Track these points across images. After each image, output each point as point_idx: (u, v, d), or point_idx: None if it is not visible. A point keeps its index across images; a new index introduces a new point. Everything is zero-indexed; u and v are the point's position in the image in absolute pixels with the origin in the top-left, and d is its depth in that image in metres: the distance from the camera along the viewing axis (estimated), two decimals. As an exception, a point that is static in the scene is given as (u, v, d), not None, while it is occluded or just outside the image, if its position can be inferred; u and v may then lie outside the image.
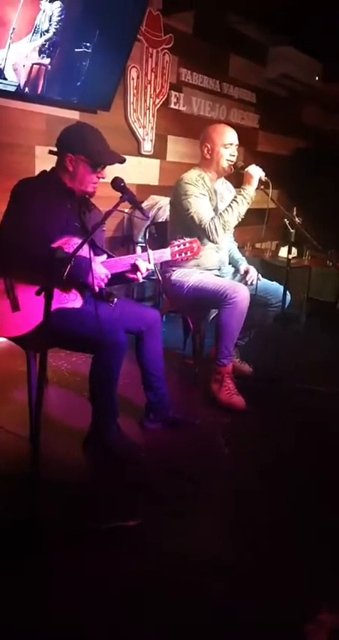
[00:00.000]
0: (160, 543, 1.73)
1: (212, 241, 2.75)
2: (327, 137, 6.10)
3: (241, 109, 5.29)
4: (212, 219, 2.70)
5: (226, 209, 2.72)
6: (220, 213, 2.72)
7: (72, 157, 2.03)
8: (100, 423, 2.14)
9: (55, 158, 2.12)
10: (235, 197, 2.74)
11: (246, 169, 2.75)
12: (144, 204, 4.09)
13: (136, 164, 4.21)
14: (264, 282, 2.98)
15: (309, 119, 6.25)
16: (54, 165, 2.12)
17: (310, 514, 1.95)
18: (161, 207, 3.87)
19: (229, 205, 2.73)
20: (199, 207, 2.72)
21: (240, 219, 2.76)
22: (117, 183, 2.01)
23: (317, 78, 5.48)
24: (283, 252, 4.29)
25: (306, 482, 2.16)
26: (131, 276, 2.15)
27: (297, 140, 6.11)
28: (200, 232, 2.68)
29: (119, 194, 1.97)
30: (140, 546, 1.71)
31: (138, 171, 4.23)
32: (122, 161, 2.07)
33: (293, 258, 4.45)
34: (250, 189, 2.72)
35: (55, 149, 2.08)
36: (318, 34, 4.66)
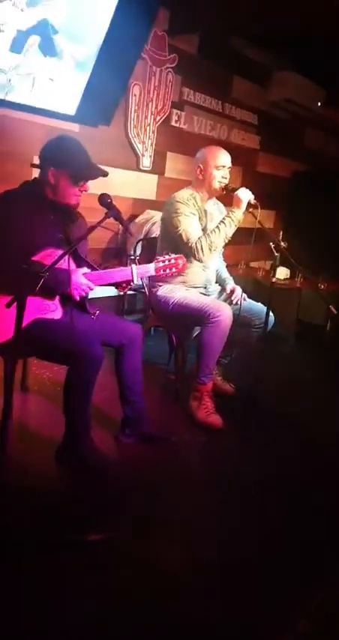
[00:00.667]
0: (129, 555, 1.73)
1: (198, 260, 2.79)
2: (328, 161, 6.17)
3: (243, 130, 5.36)
4: (199, 238, 2.74)
5: (214, 230, 2.76)
6: (208, 234, 2.76)
7: (54, 170, 2.07)
8: (73, 435, 2.16)
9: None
10: (224, 219, 2.79)
11: (235, 192, 2.80)
12: (139, 218, 4.15)
13: (135, 179, 4.26)
14: (249, 302, 3.01)
15: (311, 143, 6.32)
16: (36, 176, 2.16)
17: (289, 532, 1.96)
18: (155, 222, 3.92)
19: (217, 227, 2.77)
20: (188, 226, 2.76)
21: (227, 241, 2.80)
22: (103, 200, 2.05)
23: (320, 104, 5.56)
24: (277, 272, 4.32)
25: (284, 502, 2.17)
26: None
27: (298, 163, 6.17)
28: (187, 250, 2.72)
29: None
30: (108, 559, 1.72)
31: (136, 185, 4.28)
32: (105, 174, 2.10)
33: (285, 279, 4.53)
34: (238, 213, 2.76)
35: (37, 162, 2.13)
36: (321, 60, 4.74)
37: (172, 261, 2.31)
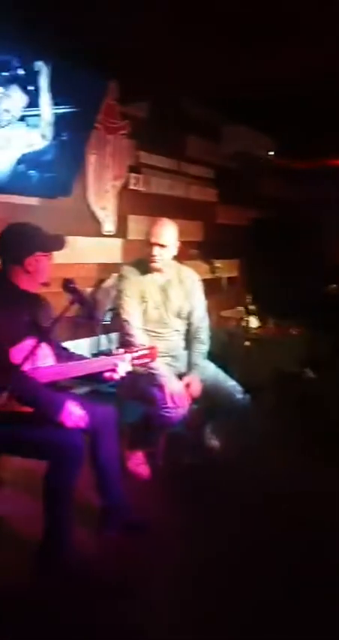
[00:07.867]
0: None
1: None
2: (286, 208, 6.33)
3: (200, 185, 5.46)
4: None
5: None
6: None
7: (13, 266, 2.05)
8: (53, 536, 2.03)
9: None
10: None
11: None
12: (105, 284, 4.13)
13: (99, 244, 4.26)
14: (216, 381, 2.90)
15: (268, 190, 6.49)
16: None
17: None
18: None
19: None
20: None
21: None
22: (67, 286, 2.01)
23: (271, 153, 5.76)
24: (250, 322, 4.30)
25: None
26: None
27: (256, 210, 6.31)
28: None
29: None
30: None
31: (100, 250, 4.28)
32: (61, 243, 2.15)
33: (257, 328, 4.52)
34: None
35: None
36: (269, 110, 4.86)
37: (146, 351, 2.28)
